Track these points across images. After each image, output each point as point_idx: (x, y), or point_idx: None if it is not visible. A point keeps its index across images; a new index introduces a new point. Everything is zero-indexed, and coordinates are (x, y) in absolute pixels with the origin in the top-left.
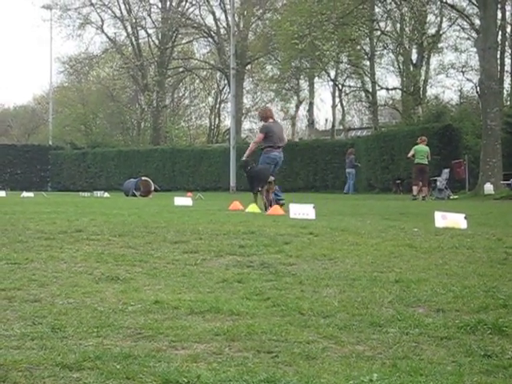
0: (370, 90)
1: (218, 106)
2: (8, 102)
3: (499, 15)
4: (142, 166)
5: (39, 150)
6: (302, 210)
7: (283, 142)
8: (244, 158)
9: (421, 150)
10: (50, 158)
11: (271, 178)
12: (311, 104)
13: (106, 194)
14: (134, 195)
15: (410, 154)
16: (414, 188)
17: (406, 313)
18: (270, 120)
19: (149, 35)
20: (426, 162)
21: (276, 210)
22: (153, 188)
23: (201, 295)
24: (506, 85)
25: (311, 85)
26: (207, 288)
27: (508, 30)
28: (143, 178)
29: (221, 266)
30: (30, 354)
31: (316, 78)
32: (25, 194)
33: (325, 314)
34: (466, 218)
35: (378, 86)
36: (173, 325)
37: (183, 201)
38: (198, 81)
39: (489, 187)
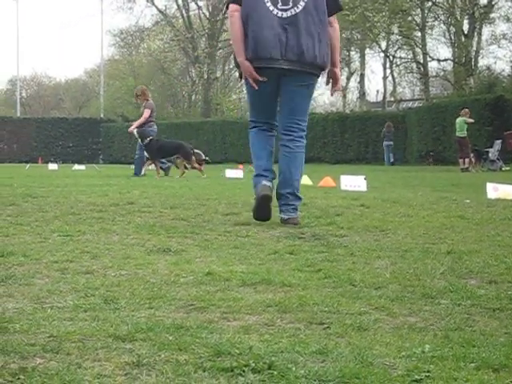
0: (422, 61)
1: None
2: (60, 76)
3: None
4: (193, 139)
5: (90, 123)
6: (353, 182)
7: None
8: (133, 130)
9: (456, 123)
10: (102, 131)
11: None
12: (362, 75)
13: None
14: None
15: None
16: (460, 161)
17: (458, 284)
18: (150, 99)
19: (199, 7)
20: (462, 135)
21: (327, 181)
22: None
23: (252, 267)
24: None
25: (362, 56)
26: (259, 260)
27: None
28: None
29: (272, 238)
30: (83, 325)
31: (367, 49)
32: (76, 166)
33: (376, 286)
34: None
35: (430, 57)
36: (224, 296)
37: (234, 173)
38: None
39: None
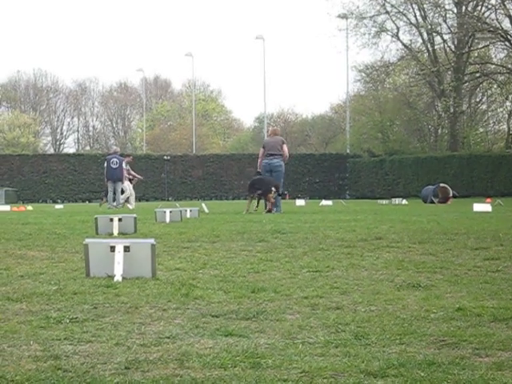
0: None
1: None
2: (306, 112)
3: None
4: (440, 173)
5: (337, 159)
6: None
7: (275, 151)
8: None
9: None
10: (348, 166)
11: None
12: None
13: (404, 201)
14: (433, 202)
15: None
16: None
17: None
18: (271, 135)
19: (444, 41)
20: None
21: None
22: (451, 194)
23: (503, 302)
24: None
25: None
26: (510, 295)
27: None
28: (441, 185)
29: None
30: (334, 360)
31: None
32: (324, 202)
33: None
34: None
35: None
36: (476, 332)
37: (482, 207)
38: (495, 85)
39: None
